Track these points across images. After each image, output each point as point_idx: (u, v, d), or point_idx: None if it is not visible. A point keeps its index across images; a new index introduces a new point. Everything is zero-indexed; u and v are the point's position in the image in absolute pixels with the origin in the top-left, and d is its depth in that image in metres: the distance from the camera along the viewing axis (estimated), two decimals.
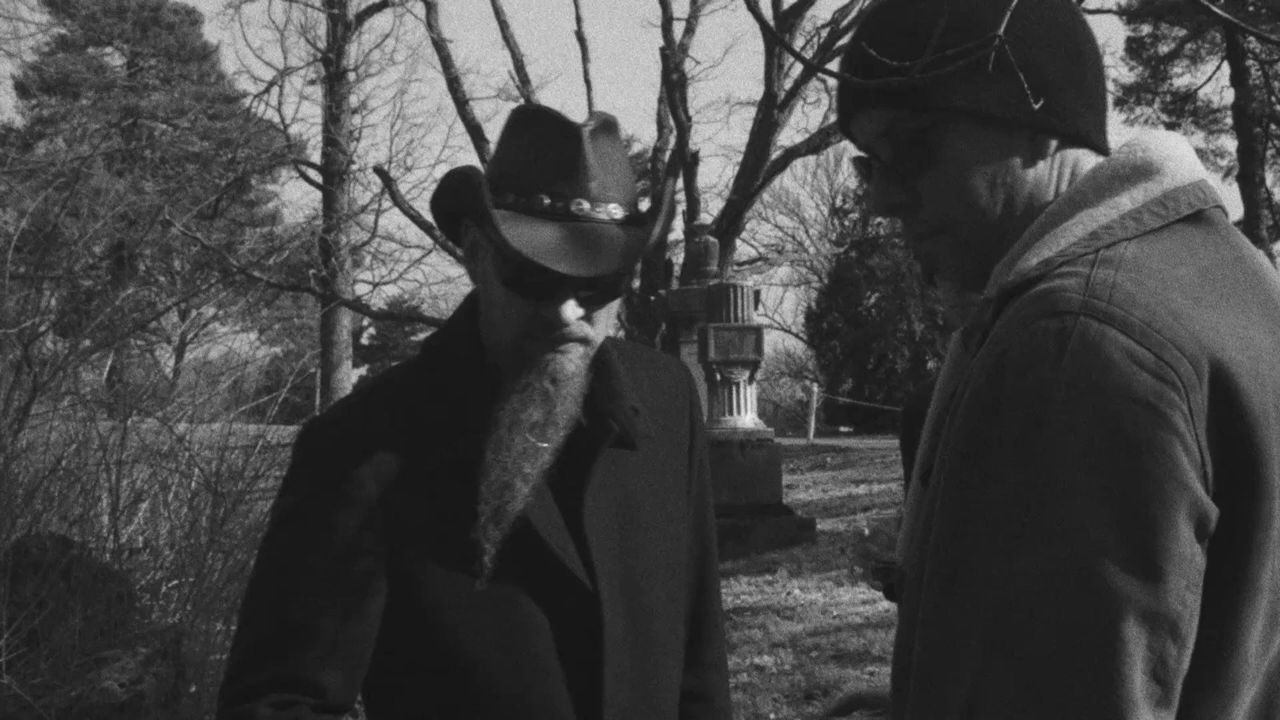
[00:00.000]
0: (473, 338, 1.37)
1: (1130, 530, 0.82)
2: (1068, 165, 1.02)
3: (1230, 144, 24.56)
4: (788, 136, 20.73)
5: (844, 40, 19.11)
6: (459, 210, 1.34)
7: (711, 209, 20.32)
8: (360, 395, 1.45)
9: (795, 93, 19.12)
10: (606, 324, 1.37)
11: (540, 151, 1.30)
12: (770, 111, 18.82)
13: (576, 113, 1.70)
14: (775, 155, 19.34)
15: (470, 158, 21.25)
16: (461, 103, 20.73)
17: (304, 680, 1.27)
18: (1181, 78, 25.59)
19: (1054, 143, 1.02)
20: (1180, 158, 1.00)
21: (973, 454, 0.88)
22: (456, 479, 1.29)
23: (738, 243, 21.55)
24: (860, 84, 1.04)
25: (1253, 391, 0.85)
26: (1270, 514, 0.86)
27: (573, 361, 1.31)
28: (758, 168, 18.87)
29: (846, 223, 33.55)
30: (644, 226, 1.35)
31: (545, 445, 1.29)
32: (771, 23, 18.79)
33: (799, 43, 19.53)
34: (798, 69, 19.10)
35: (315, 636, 1.27)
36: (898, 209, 1.06)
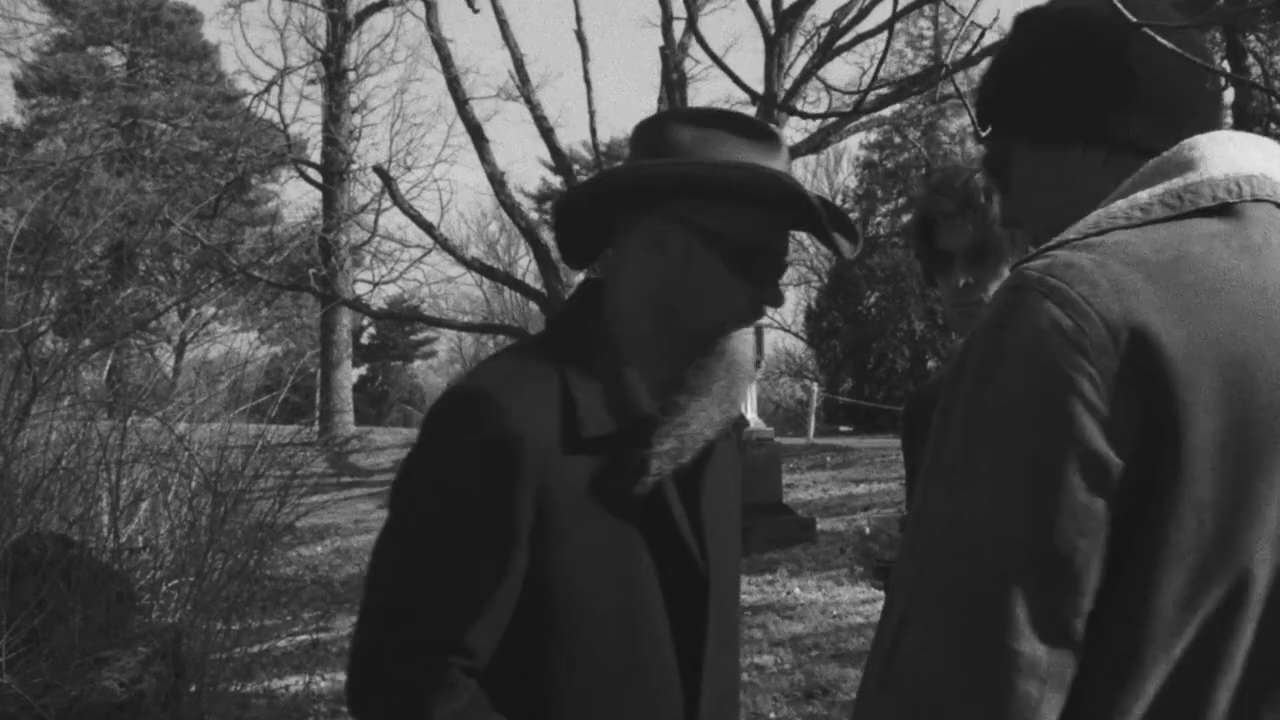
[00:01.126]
0: (604, 325, 1.40)
1: (1028, 479, 0.93)
2: (1123, 170, 1.09)
3: None
4: (787, 136, 20.74)
5: (844, 40, 19.12)
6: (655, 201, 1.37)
7: None
8: (500, 366, 1.41)
9: (795, 92, 19.11)
10: None
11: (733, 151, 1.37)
12: (770, 111, 18.81)
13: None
14: None
15: (470, 157, 21.21)
16: (461, 102, 20.71)
17: (456, 643, 1.28)
18: None
19: (1104, 152, 1.11)
20: (1223, 153, 1.06)
21: (942, 410, 0.99)
22: (604, 450, 1.33)
23: None
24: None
25: (1180, 359, 0.92)
26: (1194, 475, 0.92)
27: (749, 343, 1.39)
28: None
29: None
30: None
31: (725, 418, 1.37)
32: (771, 22, 18.80)
33: (799, 42, 19.53)
34: (798, 69, 19.11)
35: (467, 599, 1.28)
36: (1008, 224, 1.26)
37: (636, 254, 1.39)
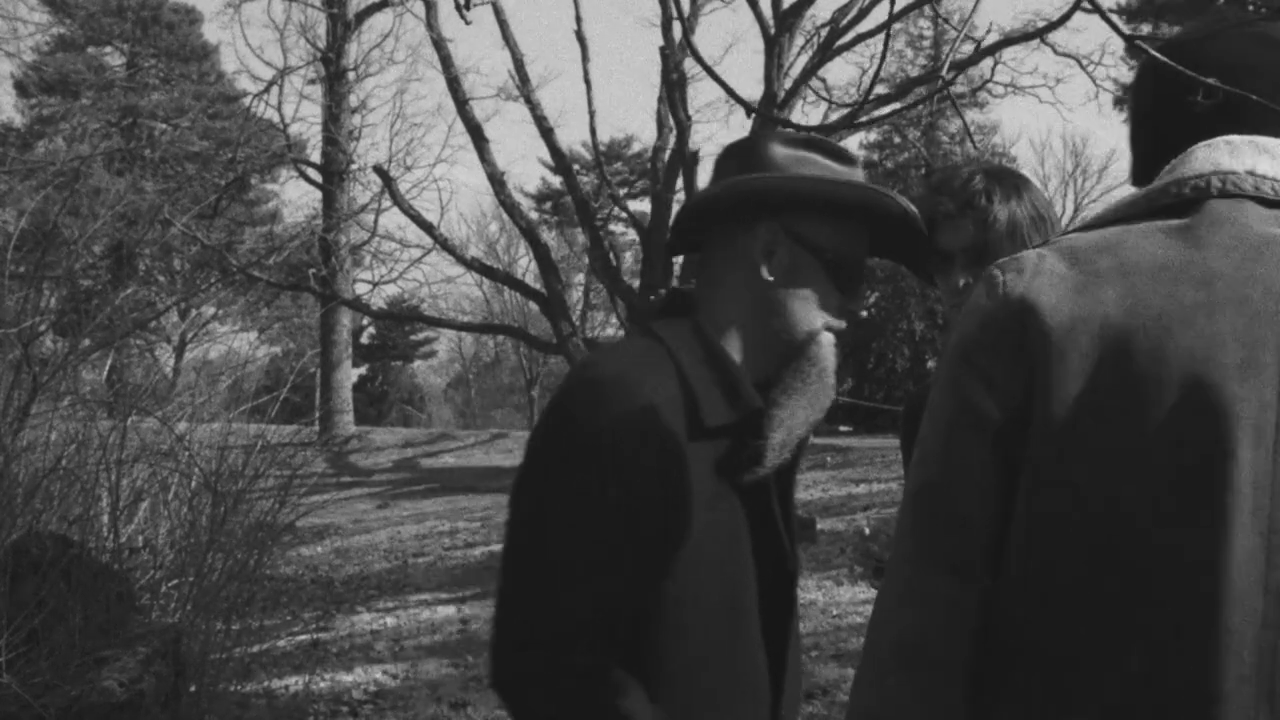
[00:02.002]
0: (707, 323, 1.44)
1: (928, 432, 1.15)
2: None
3: None
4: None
5: (843, 40, 19.14)
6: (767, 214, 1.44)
7: None
8: (623, 353, 1.42)
9: (795, 92, 19.12)
10: None
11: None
12: (770, 111, 18.81)
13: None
14: None
15: (470, 157, 21.20)
16: (461, 102, 20.71)
17: (608, 630, 1.29)
18: None
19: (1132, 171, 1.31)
20: (1207, 155, 1.16)
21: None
22: (720, 439, 1.37)
23: None
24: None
25: (1056, 330, 1.07)
26: (1071, 420, 1.06)
27: (834, 350, 1.48)
28: None
29: None
30: None
31: (815, 419, 1.45)
32: (771, 22, 18.81)
33: (799, 42, 19.54)
34: (798, 69, 19.12)
35: (616, 584, 1.28)
36: None
37: (744, 260, 1.45)
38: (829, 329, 1.47)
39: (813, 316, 1.45)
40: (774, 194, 1.42)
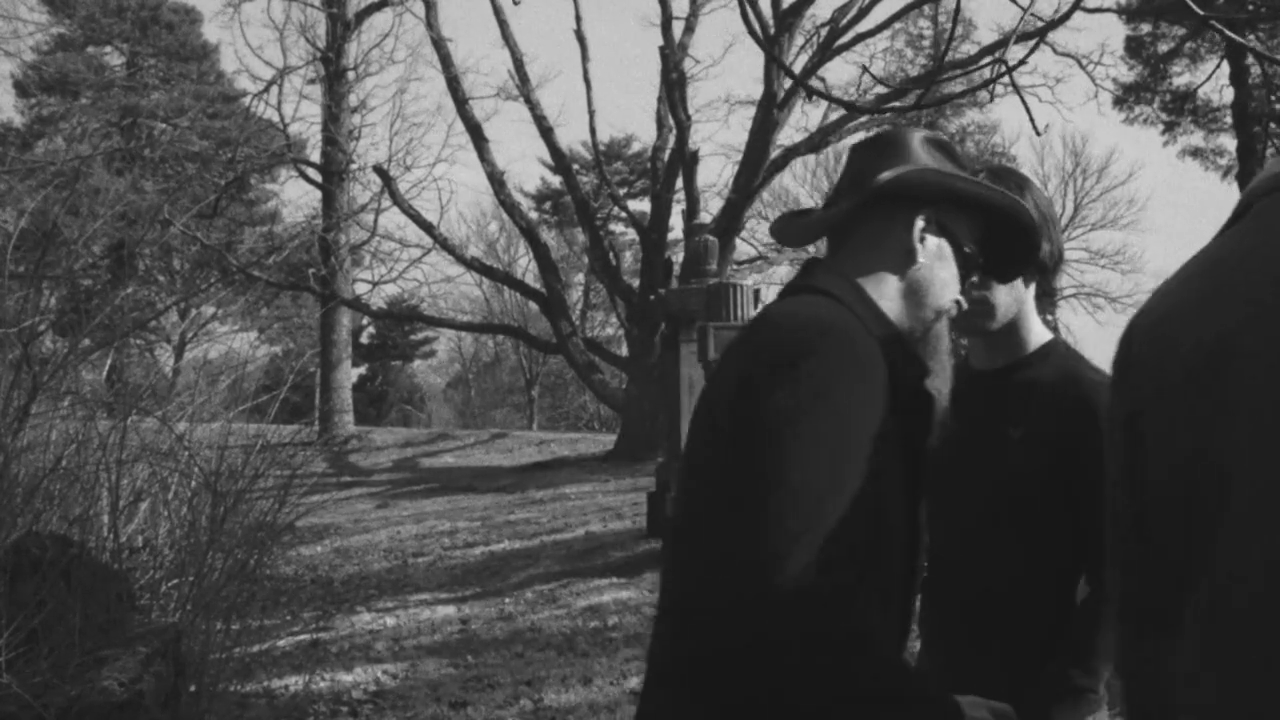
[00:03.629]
0: (877, 308, 1.52)
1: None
2: None
3: (1230, 143, 24.57)
4: (787, 135, 20.74)
5: (843, 40, 19.14)
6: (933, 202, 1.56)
7: (711, 208, 20.34)
8: (824, 307, 1.44)
9: (795, 92, 19.12)
10: None
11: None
12: (770, 110, 18.81)
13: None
14: (775, 154, 19.34)
15: (470, 157, 21.20)
16: (461, 102, 20.72)
17: (861, 570, 1.29)
18: (1181, 77, 25.60)
19: None
20: (1273, 162, 1.13)
21: None
22: (905, 408, 1.43)
23: (737, 242, 21.55)
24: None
25: (1135, 335, 1.06)
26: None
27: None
28: (757, 166, 18.86)
29: None
30: None
31: (947, 389, 1.57)
32: (771, 22, 18.80)
33: (799, 42, 19.53)
34: (798, 68, 19.10)
35: (863, 527, 1.28)
36: None
37: (897, 243, 1.55)
38: (951, 311, 1.60)
39: (943, 299, 1.57)
40: (936, 188, 1.57)
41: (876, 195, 1.54)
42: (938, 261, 1.57)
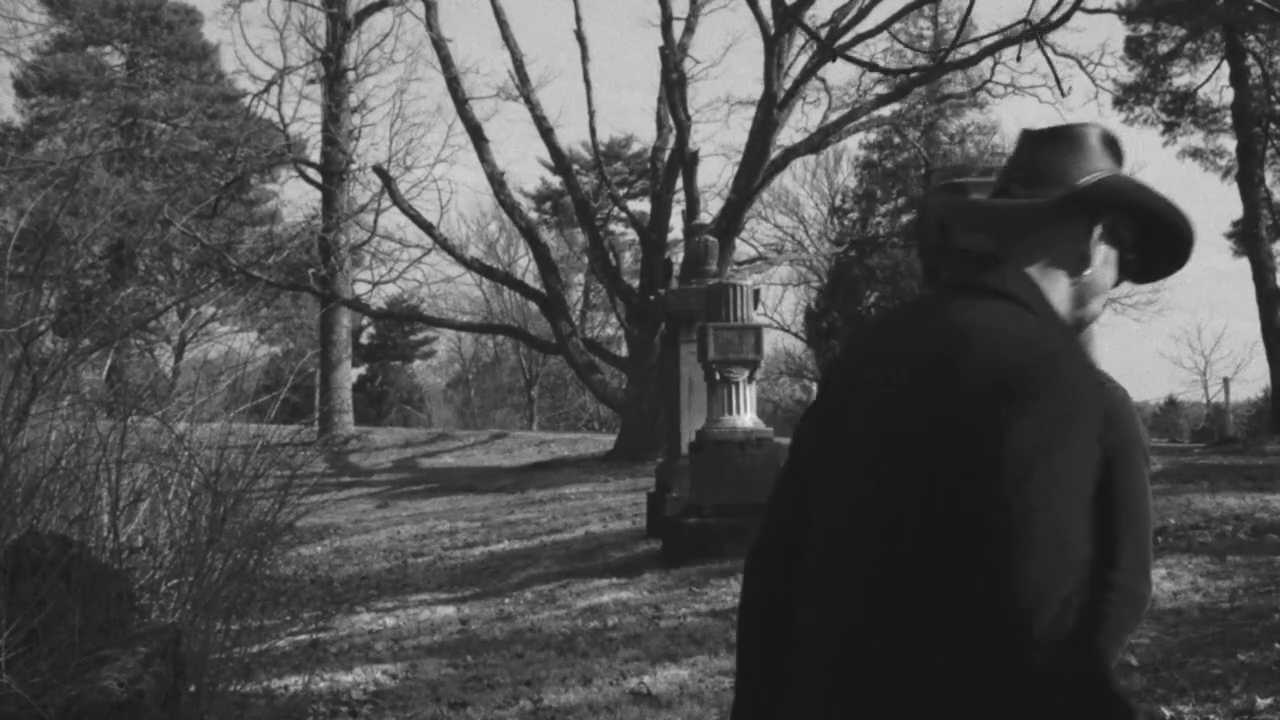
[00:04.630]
0: (1059, 315, 1.54)
1: None
2: None
3: (1230, 144, 24.55)
4: (787, 136, 20.74)
5: (843, 40, 19.12)
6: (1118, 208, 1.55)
7: (711, 208, 20.33)
8: (1052, 325, 1.48)
9: (795, 92, 19.11)
10: None
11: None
12: (770, 111, 18.81)
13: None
14: (775, 155, 19.33)
15: (470, 157, 21.19)
16: (461, 102, 20.72)
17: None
18: (1181, 77, 25.59)
19: None
20: None
21: None
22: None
23: (737, 242, 21.55)
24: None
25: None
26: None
27: None
28: (757, 167, 18.86)
29: (845, 222, 33.54)
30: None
31: None
32: (771, 21, 18.80)
33: (798, 42, 19.51)
34: (797, 69, 19.10)
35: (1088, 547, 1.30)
36: None
37: (1072, 247, 1.54)
38: (1097, 317, 1.61)
39: (1100, 304, 1.59)
40: (1123, 197, 1.54)
41: (1075, 200, 1.52)
42: (1104, 267, 1.56)
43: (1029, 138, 1.60)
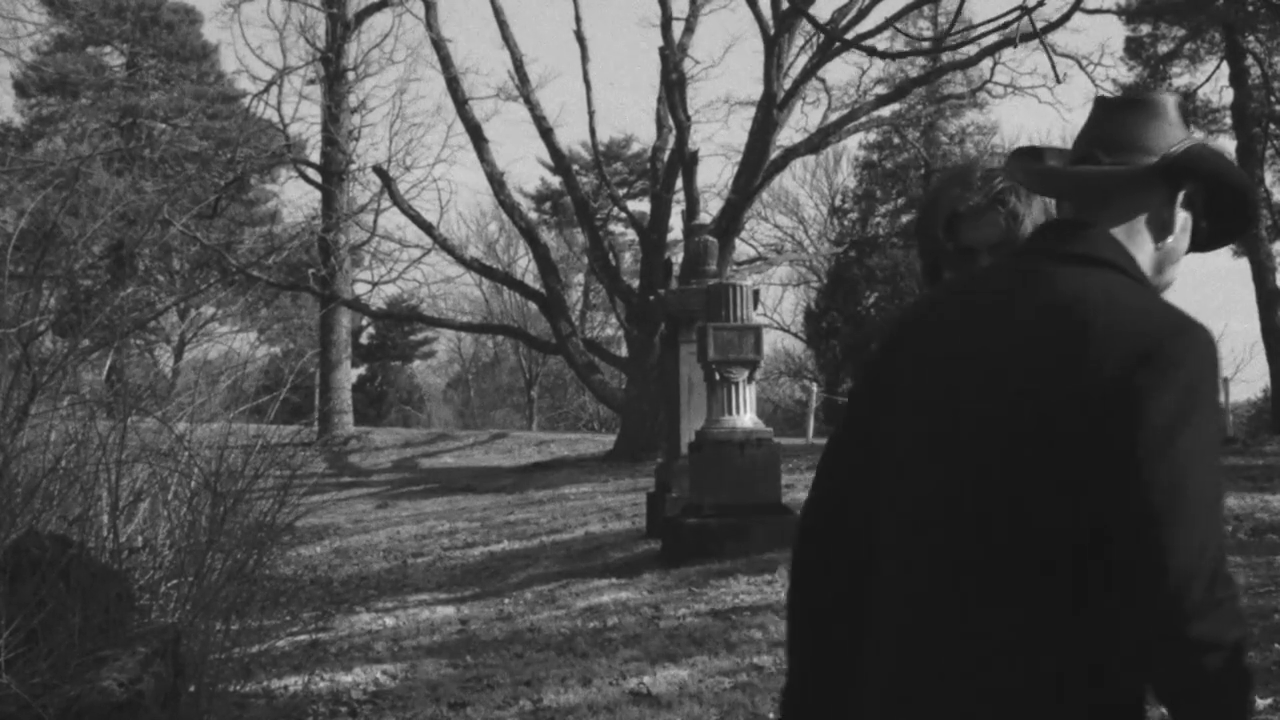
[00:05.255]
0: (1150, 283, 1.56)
1: None
2: None
3: (1229, 144, 24.54)
4: (787, 136, 20.74)
5: (842, 40, 19.11)
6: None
7: (711, 209, 20.33)
8: (1171, 305, 1.49)
9: (794, 93, 19.12)
10: None
11: None
12: (769, 111, 18.81)
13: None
14: (774, 155, 19.33)
15: (470, 157, 21.18)
16: (461, 102, 20.73)
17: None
18: (1181, 78, 25.59)
19: None
20: None
21: None
22: None
23: (737, 242, 21.55)
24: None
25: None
26: None
27: None
28: (757, 167, 18.86)
29: (845, 222, 33.55)
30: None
31: None
32: (770, 22, 18.80)
33: (798, 42, 19.52)
34: (797, 69, 19.10)
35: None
36: None
37: (1157, 214, 1.55)
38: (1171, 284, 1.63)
39: (1177, 271, 1.60)
40: (1206, 165, 1.55)
41: (1166, 168, 1.54)
42: (1181, 234, 1.57)
43: (1108, 106, 1.60)
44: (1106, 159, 1.53)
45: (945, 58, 20.51)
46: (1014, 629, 1.34)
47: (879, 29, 19.03)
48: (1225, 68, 23.76)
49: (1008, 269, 1.52)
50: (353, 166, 24.19)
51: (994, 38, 18.19)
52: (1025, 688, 1.32)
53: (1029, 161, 1.61)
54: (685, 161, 18.66)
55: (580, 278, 38.11)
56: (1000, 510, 1.36)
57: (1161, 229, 1.53)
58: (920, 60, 22.29)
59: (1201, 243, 1.63)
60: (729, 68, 69.85)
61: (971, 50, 19.02)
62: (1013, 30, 16.97)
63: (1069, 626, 1.32)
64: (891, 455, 1.50)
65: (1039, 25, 17.38)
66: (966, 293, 1.55)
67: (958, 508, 1.39)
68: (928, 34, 30.37)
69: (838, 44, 18.39)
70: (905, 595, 1.43)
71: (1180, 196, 1.54)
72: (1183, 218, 1.55)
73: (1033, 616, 1.33)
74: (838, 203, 34.81)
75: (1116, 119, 1.57)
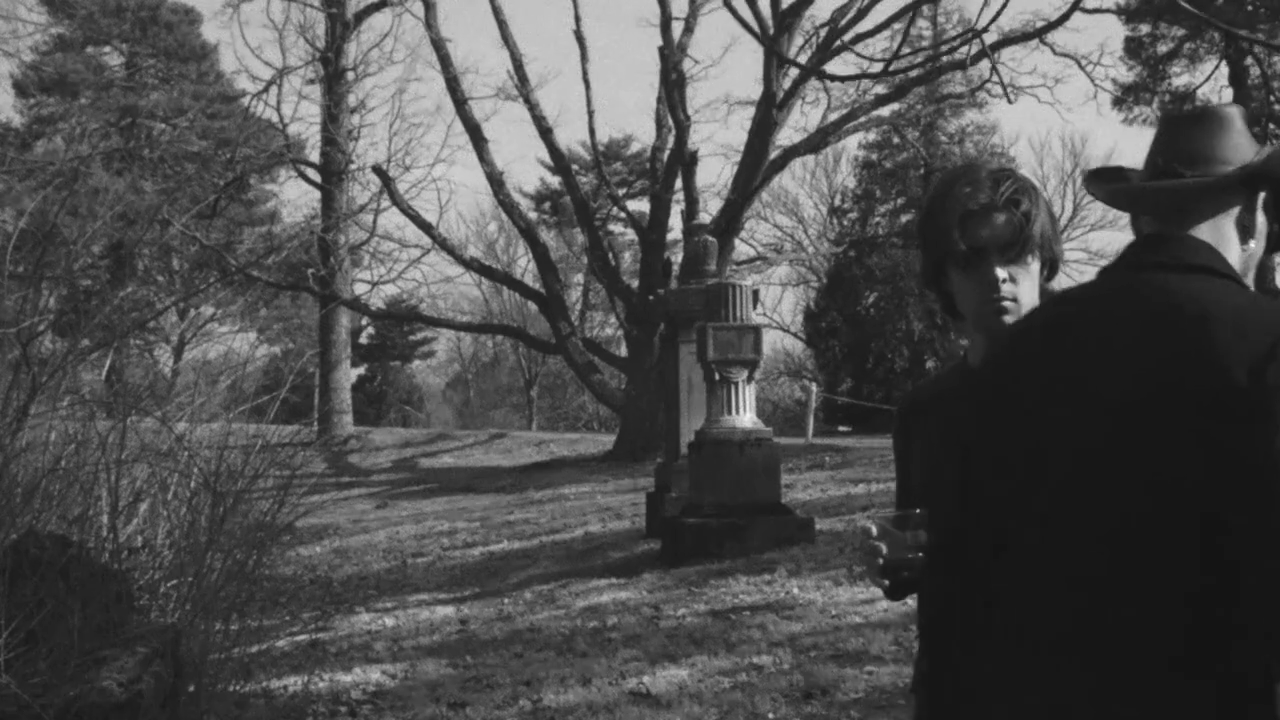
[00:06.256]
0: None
1: None
2: None
3: None
4: (786, 136, 20.75)
5: (841, 40, 19.11)
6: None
7: (710, 208, 20.33)
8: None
9: (794, 92, 19.12)
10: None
11: None
12: (769, 111, 18.82)
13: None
14: (774, 155, 19.33)
15: (469, 157, 21.18)
16: (460, 102, 20.72)
17: None
18: (1180, 77, 25.62)
19: None
20: None
21: None
22: None
23: (736, 242, 21.56)
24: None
25: None
26: None
27: None
28: (756, 167, 18.86)
29: (845, 222, 33.53)
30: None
31: None
32: (770, 22, 18.79)
33: (798, 42, 19.52)
34: (796, 69, 19.10)
35: None
36: None
37: (1238, 221, 1.61)
38: None
39: (1253, 275, 1.64)
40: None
41: (1246, 178, 1.59)
42: (1260, 238, 1.63)
43: (1179, 121, 1.66)
44: (1188, 172, 1.59)
45: (946, 57, 20.46)
46: (1159, 590, 1.40)
47: (876, 30, 19.05)
48: (1225, 67, 23.78)
49: (1114, 279, 1.59)
50: (352, 166, 24.18)
51: (943, 49, 18.19)
52: (1169, 647, 1.39)
53: (1111, 181, 1.68)
54: (685, 161, 18.66)
55: (580, 278, 38.10)
56: (1140, 484, 1.42)
57: (1244, 234, 1.60)
58: (917, 59, 22.25)
59: (1271, 246, 1.70)
60: (728, 68, 69.78)
61: (971, 50, 19.00)
62: (964, 54, 17.02)
63: (1206, 590, 1.38)
64: (1033, 446, 1.55)
65: (1039, 25, 17.37)
66: (1076, 301, 1.61)
67: (1107, 482, 1.46)
68: (927, 34, 30.39)
69: (833, 52, 18.41)
70: (1066, 568, 1.49)
71: (1260, 200, 1.61)
72: (1262, 222, 1.62)
73: (1175, 580, 1.39)
74: (837, 202, 34.80)
75: (1188, 134, 1.63)
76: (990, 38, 15.15)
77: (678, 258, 17.99)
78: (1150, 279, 1.52)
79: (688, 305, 11.52)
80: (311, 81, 24.90)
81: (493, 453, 22.27)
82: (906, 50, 19.75)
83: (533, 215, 33.55)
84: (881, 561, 1.75)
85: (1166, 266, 1.53)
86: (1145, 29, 24.62)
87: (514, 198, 22.25)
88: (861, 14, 18.81)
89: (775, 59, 18.18)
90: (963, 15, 30.31)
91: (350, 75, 25.10)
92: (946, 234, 1.83)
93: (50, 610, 3.55)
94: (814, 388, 23.58)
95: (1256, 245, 1.61)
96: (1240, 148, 1.60)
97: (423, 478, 19.37)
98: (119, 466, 4.84)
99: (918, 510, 1.76)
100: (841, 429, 23.32)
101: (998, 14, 16.50)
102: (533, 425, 36.18)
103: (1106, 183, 1.68)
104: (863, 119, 20.57)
